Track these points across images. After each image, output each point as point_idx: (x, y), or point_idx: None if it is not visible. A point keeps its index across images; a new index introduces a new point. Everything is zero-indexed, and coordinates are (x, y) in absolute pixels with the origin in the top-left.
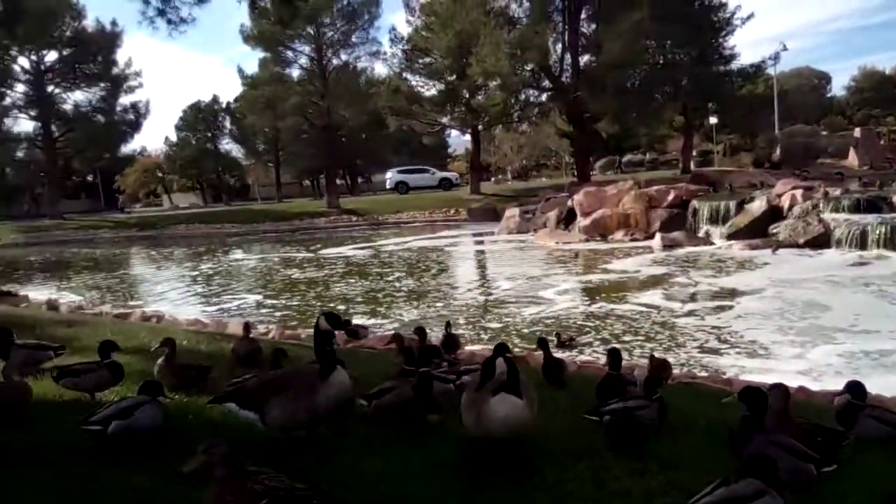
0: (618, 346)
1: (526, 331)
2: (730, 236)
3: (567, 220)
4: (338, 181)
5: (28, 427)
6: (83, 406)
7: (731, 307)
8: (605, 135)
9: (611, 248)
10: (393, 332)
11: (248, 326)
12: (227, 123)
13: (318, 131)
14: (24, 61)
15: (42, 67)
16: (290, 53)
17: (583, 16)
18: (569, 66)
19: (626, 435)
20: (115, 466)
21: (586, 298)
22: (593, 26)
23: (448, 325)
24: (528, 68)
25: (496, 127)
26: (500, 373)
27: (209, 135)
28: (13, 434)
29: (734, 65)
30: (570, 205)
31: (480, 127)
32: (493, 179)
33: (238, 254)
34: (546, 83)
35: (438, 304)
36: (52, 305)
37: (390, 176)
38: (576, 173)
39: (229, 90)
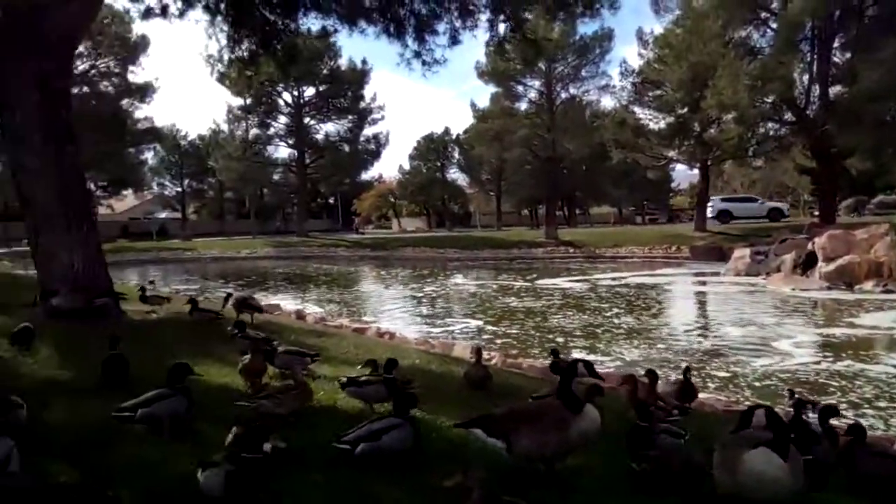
0: (870, 412)
1: (757, 384)
2: None
3: (806, 264)
4: (556, 212)
5: (304, 427)
6: (346, 415)
7: None
8: (855, 172)
9: (858, 300)
10: (615, 369)
11: (479, 352)
12: (456, 154)
13: (541, 163)
14: (287, 96)
15: (301, 101)
16: (520, 88)
17: (835, 44)
18: (816, 97)
19: None
20: (375, 475)
21: (829, 354)
22: (847, 55)
23: (688, 370)
24: (769, 100)
25: (726, 161)
26: (756, 425)
27: (439, 164)
28: (292, 433)
29: None
30: (810, 248)
31: (710, 161)
32: None
33: (458, 278)
34: (788, 116)
35: (660, 346)
36: (300, 315)
37: (712, 204)
38: (816, 213)
39: (460, 122)
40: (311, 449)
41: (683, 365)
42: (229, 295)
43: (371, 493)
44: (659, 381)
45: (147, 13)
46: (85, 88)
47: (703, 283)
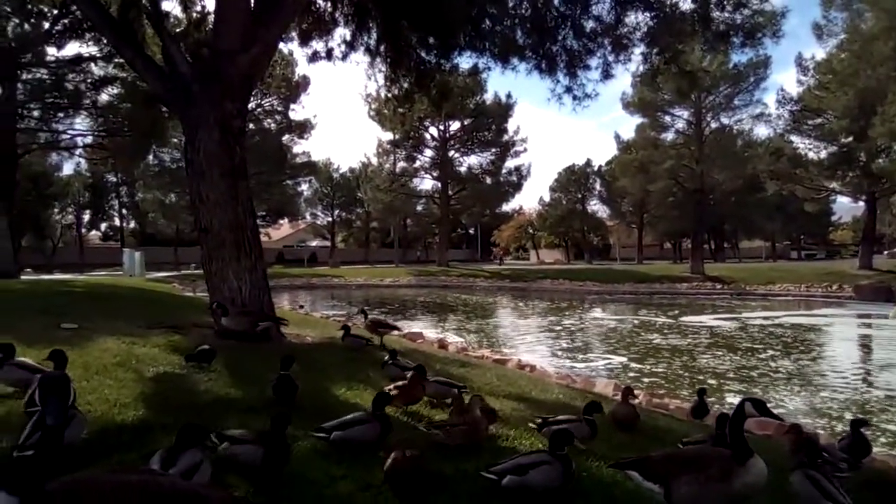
0: None
1: None
2: None
3: None
4: (702, 245)
5: (453, 457)
6: (495, 448)
7: None
8: None
9: None
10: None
11: (628, 391)
12: (597, 185)
13: (687, 194)
14: (433, 130)
15: (447, 135)
16: (667, 118)
17: None
18: None
19: None
20: None
21: None
22: None
23: (859, 423)
24: None
25: None
26: None
27: (579, 195)
28: (445, 463)
29: None
30: None
31: (877, 193)
32: (886, 253)
33: (597, 312)
34: None
35: (823, 394)
36: (442, 345)
37: None
38: None
39: (601, 153)
40: (459, 479)
41: (849, 416)
42: (364, 312)
43: None
44: (827, 434)
45: (314, 57)
46: (251, 125)
47: (869, 326)
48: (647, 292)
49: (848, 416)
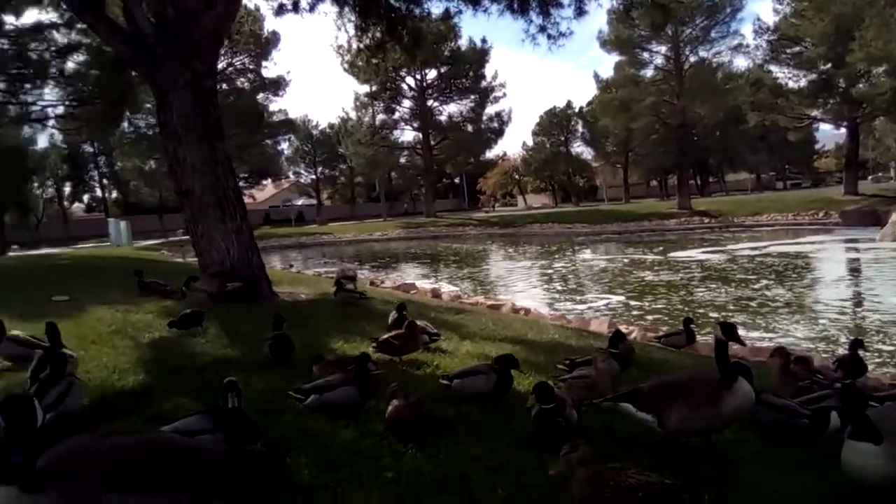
0: None
1: None
2: None
3: None
4: (688, 181)
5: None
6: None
7: None
8: None
9: None
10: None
11: (618, 331)
12: (580, 127)
13: (670, 131)
14: (410, 81)
15: (424, 85)
16: (645, 55)
17: None
18: None
19: None
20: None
21: None
22: None
23: (858, 344)
24: None
25: (878, 118)
26: None
27: (562, 138)
28: (448, 407)
29: None
30: None
31: (859, 119)
32: (870, 178)
33: (587, 253)
34: None
35: (822, 320)
36: (436, 294)
37: None
38: None
39: (582, 94)
40: (462, 420)
41: (843, 340)
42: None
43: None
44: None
45: (280, 10)
46: (224, 85)
47: (855, 251)
48: (636, 230)
49: (843, 339)
